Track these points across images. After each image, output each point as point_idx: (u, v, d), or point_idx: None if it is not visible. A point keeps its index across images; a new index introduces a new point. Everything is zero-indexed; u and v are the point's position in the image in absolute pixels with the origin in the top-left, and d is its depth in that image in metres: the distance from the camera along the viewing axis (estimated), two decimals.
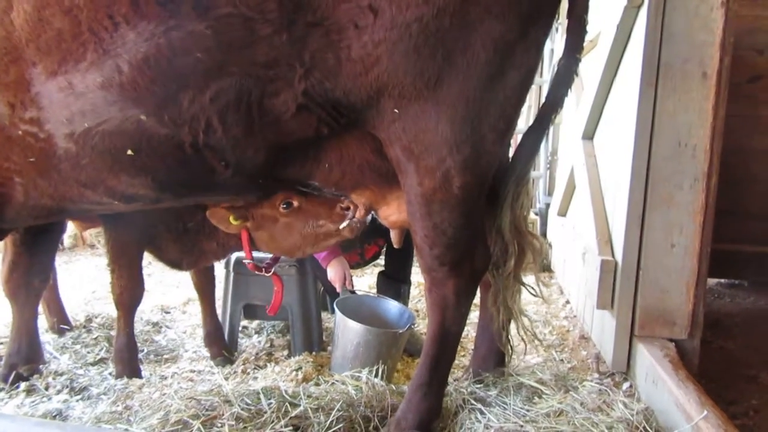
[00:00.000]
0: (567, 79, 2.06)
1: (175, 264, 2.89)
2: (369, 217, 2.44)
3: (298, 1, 1.60)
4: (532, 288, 2.46)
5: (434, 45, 1.64)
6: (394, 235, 2.61)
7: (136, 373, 2.75)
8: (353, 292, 3.16)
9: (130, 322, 2.81)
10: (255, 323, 3.60)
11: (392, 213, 2.25)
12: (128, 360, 2.76)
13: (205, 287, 3.16)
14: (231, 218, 2.53)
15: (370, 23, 1.61)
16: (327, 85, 1.70)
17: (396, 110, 1.73)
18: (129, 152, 1.78)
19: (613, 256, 2.75)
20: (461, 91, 1.70)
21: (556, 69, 2.09)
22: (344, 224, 2.42)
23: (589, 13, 2.00)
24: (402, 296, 3.32)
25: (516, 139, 2.90)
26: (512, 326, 2.44)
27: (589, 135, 3.59)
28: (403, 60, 1.65)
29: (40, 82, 1.73)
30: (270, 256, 2.84)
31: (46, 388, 2.52)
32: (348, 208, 2.39)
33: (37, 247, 2.67)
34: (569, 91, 2.10)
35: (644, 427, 2.01)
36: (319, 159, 2.00)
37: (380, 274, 3.50)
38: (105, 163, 1.84)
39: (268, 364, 3.01)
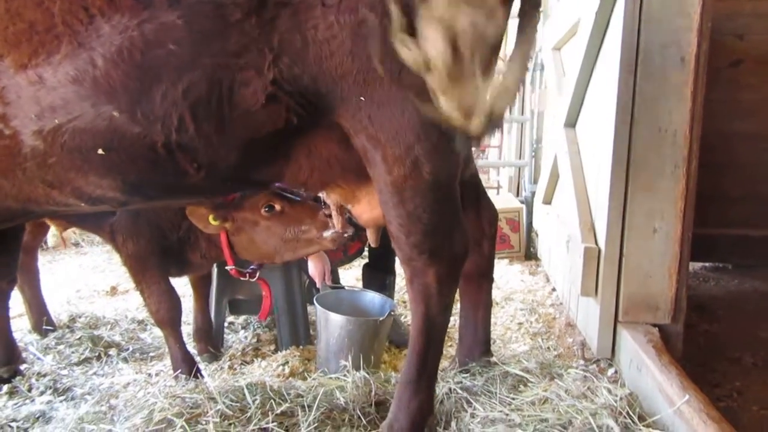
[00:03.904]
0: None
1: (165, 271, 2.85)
2: (350, 231, 2.44)
3: None
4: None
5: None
6: (369, 234, 2.60)
7: None
8: (337, 287, 3.16)
9: (179, 337, 2.71)
10: (242, 318, 3.59)
11: (364, 210, 2.23)
12: (189, 375, 2.67)
13: (200, 284, 3.14)
14: (210, 218, 2.51)
15: (337, 2, 1.59)
16: (295, 70, 1.67)
17: (361, 98, 1.71)
18: (100, 151, 1.74)
19: (596, 243, 2.76)
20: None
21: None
22: (327, 233, 2.41)
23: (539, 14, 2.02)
24: (387, 287, 3.32)
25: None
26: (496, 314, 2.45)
27: (571, 123, 3.59)
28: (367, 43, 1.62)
29: (7, 76, 1.68)
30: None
31: (29, 390, 2.49)
32: (331, 215, 2.39)
33: (0, 248, 2.61)
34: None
35: (627, 413, 2.03)
36: (289, 157, 1.96)
37: (365, 266, 3.49)
38: (74, 163, 1.79)
39: (255, 360, 3.01)
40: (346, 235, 2.45)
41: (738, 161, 4.32)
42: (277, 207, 2.49)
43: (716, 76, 4.00)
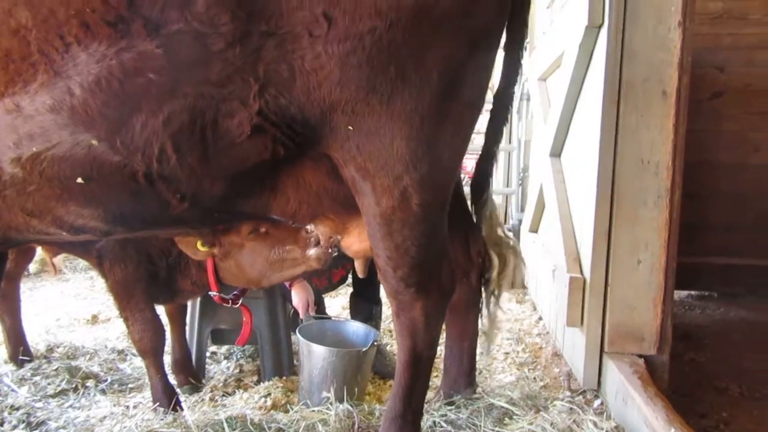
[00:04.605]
0: (503, 111, 2.14)
1: (153, 298, 2.79)
2: (336, 249, 2.42)
3: (251, 10, 1.56)
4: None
5: (387, 59, 1.63)
6: (358, 265, 2.58)
7: None
8: (321, 317, 3.13)
9: (161, 367, 2.67)
10: (224, 348, 3.52)
11: (354, 242, 2.22)
12: (167, 407, 2.61)
13: (176, 314, 3.09)
14: (199, 244, 2.50)
15: (324, 33, 1.59)
16: (282, 101, 1.66)
17: (350, 127, 1.71)
18: (79, 180, 1.72)
19: (581, 273, 2.76)
20: (415, 108, 1.69)
21: (492, 101, 2.16)
22: (311, 251, 2.39)
23: (524, 48, 2.09)
24: (374, 317, 3.28)
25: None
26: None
27: (556, 152, 3.62)
28: (356, 73, 1.63)
29: None
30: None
31: (1, 424, 2.40)
32: (313, 233, 2.37)
33: None
34: (506, 122, 2.20)
35: None
36: (276, 189, 1.95)
37: (351, 295, 3.46)
38: (53, 191, 1.77)
39: (237, 391, 2.94)
40: (330, 251, 2.42)
41: (721, 191, 4.38)
42: (262, 229, 2.47)
43: (698, 107, 4.09)
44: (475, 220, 2.31)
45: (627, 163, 2.51)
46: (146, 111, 1.62)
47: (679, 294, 4.64)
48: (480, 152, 2.34)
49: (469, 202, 2.41)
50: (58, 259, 3.27)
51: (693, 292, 4.75)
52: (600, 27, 2.59)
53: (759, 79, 4.27)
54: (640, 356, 2.56)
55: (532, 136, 5.04)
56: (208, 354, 3.32)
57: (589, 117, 2.77)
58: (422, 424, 2.20)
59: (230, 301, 2.75)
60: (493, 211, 2.31)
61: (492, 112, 2.18)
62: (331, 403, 2.34)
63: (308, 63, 1.62)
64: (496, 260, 2.28)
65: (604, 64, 2.50)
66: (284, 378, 3.03)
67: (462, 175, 2.71)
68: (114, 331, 3.88)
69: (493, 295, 2.36)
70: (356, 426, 2.21)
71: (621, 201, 2.53)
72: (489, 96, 2.26)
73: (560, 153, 3.62)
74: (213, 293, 2.67)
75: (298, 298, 3.04)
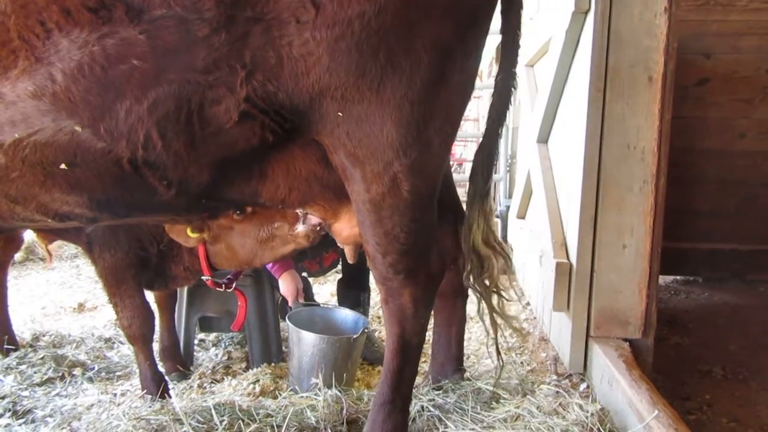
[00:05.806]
0: (506, 93, 2.10)
1: (147, 285, 2.79)
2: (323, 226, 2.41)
3: None
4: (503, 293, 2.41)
5: (376, 44, 1.61)
6: (347, 251, 2.58)
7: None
8: (310, 304, 3.13)
9: (150, 354, 2.67)
10: (212, 335, 3.52)
11: (344, 228, 2.20)
12: (155, 394, 2.62)
13: (165, 301, 3.08)
14: (188, 231, 2.49)
15: (312, 18, 1.57)
16: (269, 87, 1.65)
17: (339, 113, 1.70)
18: (63, 166, 1.70)
19: (567, 258, 2.78)
20: (405, 94, 1.68)
21: (494, 84, 2.13)
22: (299, 227, 2.39)
23: (521, 28, 2.04)
24: (362, 304, 3.30)
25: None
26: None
27: (543, 139, 3.63)
28: (345, 59, 1.61)
29: None
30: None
31: None
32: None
33: None
34: (509, 104, 2.14)
35: (598, 429, 2.03)
36: (265, 175, 1.94)
37: (339, 282, 3.47)
38: (37, 178, 1.75)
39: (225, 378, 2.95)
40: (318, 228, 2.42)
41: (706, 177, 4.42)
42: (248, 209, 2.47)
43: (684, 93, 4.11)
44: (468, 213, 2.20)
45: (613, 149, 2.52)
46: (130, 97, 1.60)
47: (665, 279, 4.70)
48: (473, 139, 2.28)
49: (467, 191, 2.37)
50: (53, 246, 3.25)
51: (678, 277, 4.80)
52: (587, 13, 2.59)
53: (745, 65, 4.29)
54: (626, 340, 2.60)
55: (520, 123, 5.04)
56: (196, 341, 3.32)
57: (576, 103, 2.77)
58: (410, 408, 2.22)
59: (224, 285, 2.74)
60: (491, 213, 2.23)
61: (494, 95, 2.14)
62: (319, 389, 2.35)
63: (296, 49, 1.60)
64: (493, 262, 2.23)
65: (591, 50, 2.50)
66: (273, 365, 3.04)
67: (450, 162, 2.69)
68: (101, 320, 3.87)
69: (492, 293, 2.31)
70: (345, 411, 2.22)
71: (607, 187, 2.55)
72: (477, 83, 2.23)
73: (547, 139, 3.63)
74: (206, 278, 2.66)
75: (286, 286, 3.04)
